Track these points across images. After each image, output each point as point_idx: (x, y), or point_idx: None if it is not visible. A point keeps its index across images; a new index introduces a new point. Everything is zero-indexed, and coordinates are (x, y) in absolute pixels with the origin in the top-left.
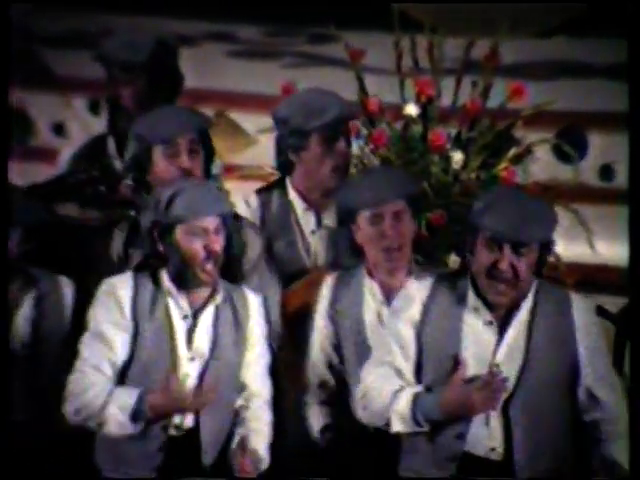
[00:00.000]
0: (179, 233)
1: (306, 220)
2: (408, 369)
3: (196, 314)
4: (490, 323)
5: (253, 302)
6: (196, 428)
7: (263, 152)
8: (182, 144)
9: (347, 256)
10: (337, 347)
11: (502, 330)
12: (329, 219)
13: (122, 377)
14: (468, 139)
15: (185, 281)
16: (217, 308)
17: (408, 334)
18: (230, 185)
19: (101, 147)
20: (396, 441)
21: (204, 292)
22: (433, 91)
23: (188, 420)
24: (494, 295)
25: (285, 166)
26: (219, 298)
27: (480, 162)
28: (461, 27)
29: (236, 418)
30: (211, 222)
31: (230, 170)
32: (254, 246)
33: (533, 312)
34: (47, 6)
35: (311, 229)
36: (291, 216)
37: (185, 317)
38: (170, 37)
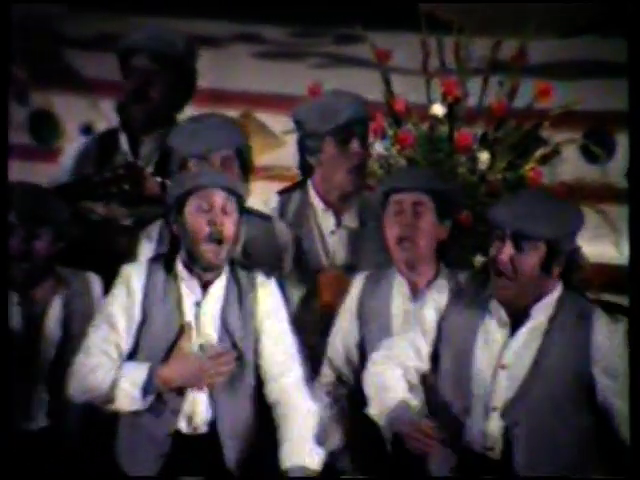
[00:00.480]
0: (188, 209)
1: (325, 220)
2: (426, 351)
3: (204, 298)
4: (504, 325)
5: (263, 287)
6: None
7: (290, 153)
8: (215, 160)
9: (375, 254)
10: (360, 345)
11: (515, 332)
12: (349, 220)
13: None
14: (494, 139)
15: (195, 265)
16: (225, 295)
17: (431, 318)
18: (257, 185)
19: (111, 144)
20: None
21: (214, 274)
22: (459, 91)
23: (202, 411)
24: (497, 290)
25: (305, 167)
26: (220, 282)
27: (507, 163)
28: (488, 27)
29: (274, 414)
30: (218, 198)
31: (257, 171)
32: (288, 244)
33: (552, 320)
34: (75, 8)
35: (330, 229)
36: (311, 216)
37: (197, 304)
38: (193, 38)
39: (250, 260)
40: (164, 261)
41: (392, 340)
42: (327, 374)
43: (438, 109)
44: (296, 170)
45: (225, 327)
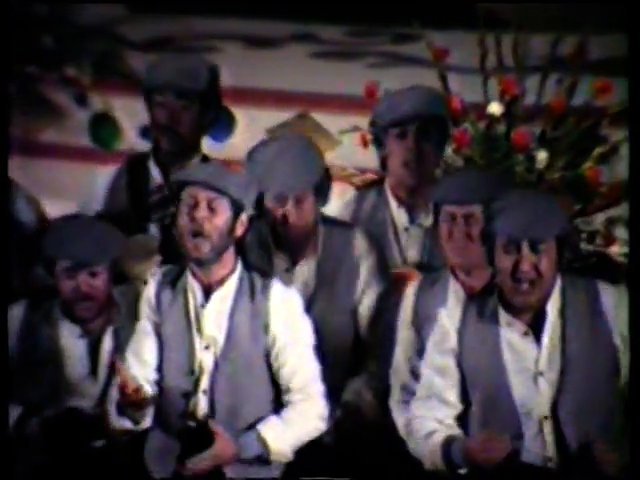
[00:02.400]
0: (180, 205)
1: (399, 217)
2: (454, 396)
3: (207, 300)
4: (525, 334)
5: (278, 295)
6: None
7: (346, 153)
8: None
9: (437, 255)
10: (420, 352)
11: (538, 338)
12: (422, 217)
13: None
14: (553, 138)
15: (192, 262)
16: (234, 298)
17: (449, 364)
18: None
19: (142, 171)
20: None
21: (216, 276)
22: (517, 89)
23: (202, 406)
24: (520, 297)
25: (382, 163)
26: (229, 286)
27: (565, 161)
28: (546, 24)
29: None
30: (201, 193)
31: None
32: (365, 255)
33: (563, 312)
34: (134, 9)
35: (404, 226)
36: (387, 213)
37: (202, 306)
38: (212, 61)
39: (324, 264)
40: (177, 270)
41: (420, 402)
42: (394, 385)
43: (495, 108)
44: (352, 170)
45: (232, 330)
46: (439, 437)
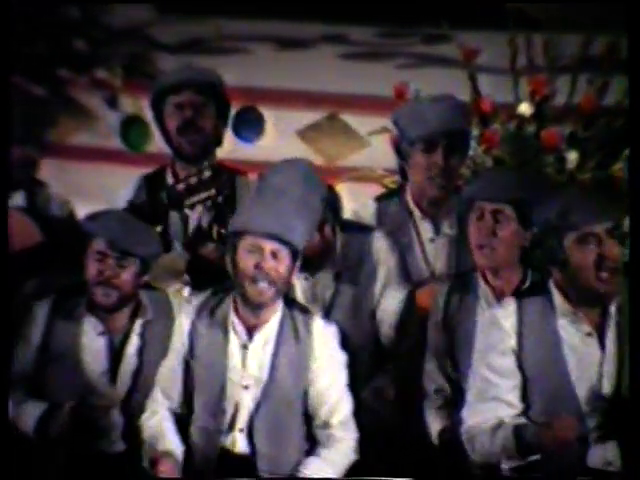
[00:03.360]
0: (240, 248)
1: (424, 228)
2: (515, 397)
3: (251, 340)
4: (589, 334)
5: (320, 332)
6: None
7: (375, 154)
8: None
9: (464, 265)
10: (452, 354)
11: (602, 340)
12: (447, 227)
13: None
14: (583, 138)
15: (242, 302)
16: (277, 337)
17: (510, 365)
18: (341, 187)
19: (159, 184)
20: None
21: (263, 317)
22: (548, 90)
23: (241, 444)
24: (604, 285)
25: (402, 172)
26: (272, 325)
27: (595, 162)
28: (578, 24)
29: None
30: (267, 244)
31: (342, 172)
32: (384, 258)
33: (620, 311)
34: (165, 12)
35: (429, 237)
36: (410, 224)
37: (244, 346)
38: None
39: (342, 272)
40: (213, 304)
41: (476, 405)
42: (426, 387)
43: (525, 108)
44: (381, 171)
45: (275, 370)
46: (508, 426)
